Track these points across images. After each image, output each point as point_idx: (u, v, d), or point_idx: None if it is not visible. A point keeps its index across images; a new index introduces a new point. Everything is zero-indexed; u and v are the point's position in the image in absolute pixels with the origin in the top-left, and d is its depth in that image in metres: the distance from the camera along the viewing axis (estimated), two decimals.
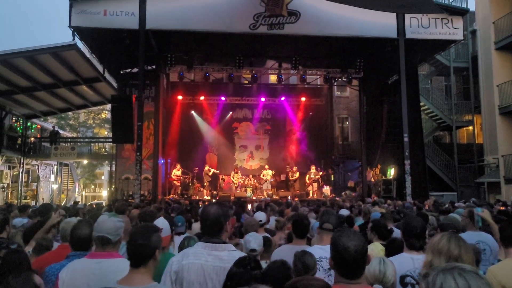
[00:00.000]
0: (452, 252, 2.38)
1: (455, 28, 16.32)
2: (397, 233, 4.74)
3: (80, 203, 14.91)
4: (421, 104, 21.68)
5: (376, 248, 4.18)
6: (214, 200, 17.34)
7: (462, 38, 16.86)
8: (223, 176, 21.75)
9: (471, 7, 20.82)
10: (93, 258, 2.91)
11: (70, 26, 14.53)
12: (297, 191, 20.45)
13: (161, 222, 3.82)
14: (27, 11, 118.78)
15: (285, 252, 3.88)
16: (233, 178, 20.84)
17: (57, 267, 3.08)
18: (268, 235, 5.32)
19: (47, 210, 6.66)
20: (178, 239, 4.43)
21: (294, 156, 22.97)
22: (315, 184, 20.53)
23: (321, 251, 3.62)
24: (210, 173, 20.83)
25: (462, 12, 16.88)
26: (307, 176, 20.91)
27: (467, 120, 26.27)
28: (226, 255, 2.74)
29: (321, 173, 21.06)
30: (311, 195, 19.95)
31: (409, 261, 3.24)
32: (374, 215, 6.17)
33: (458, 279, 1.39)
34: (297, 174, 21.37)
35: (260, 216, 5.82)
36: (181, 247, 3.86)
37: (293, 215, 4.90)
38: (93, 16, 14.52)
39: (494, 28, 21.42)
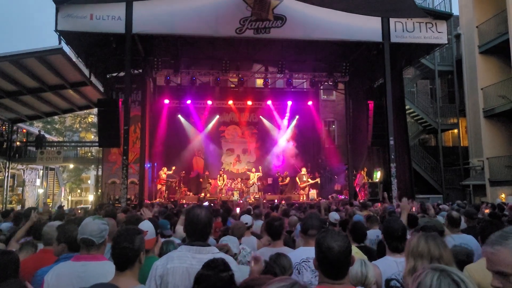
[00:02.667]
0: (433, 253, 2.41)
1: (439, 32, 16.49)
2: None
3: (65, 207, 14.79)
4: (407, 107, 21.87)
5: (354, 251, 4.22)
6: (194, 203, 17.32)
7: (446, 42, 17.04)
8: (210, 179, 21.74)
9: (455, 11, 21.18)
10: (78, 261, 2.91)
11: (56, 30, 14.42)
12: (286, 195, 20.47)
13: (146, 225, 3.80)
14: (13, 15, 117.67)
15: (265, 254, 3.90)
16: (219, 181, 20.88)
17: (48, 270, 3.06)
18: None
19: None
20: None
21: (281, 160, 23.01)
22: (307, 188, 20.63)
23: (307, 252, 3.64)
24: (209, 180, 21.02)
25: (446, 16, 17.07)
26: (297, 178, 21.00)
27: (452, 123, 26.58)
28: (210, 258, 2.73)
29: (317, 179, 21.15)
30: (302, 198, 20.02)
31: (393, 264, 3.26)
32: (356, 218, 6.22)
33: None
34: (287, 179, 21.43)
35: (246, 219, 5.82)
36: (161, 253, 3.84)
37: (268, 219, 4.89)
38: (79, 20, 14.42)
39: (477, 32, 21.71)
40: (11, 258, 3.05)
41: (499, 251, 1.73)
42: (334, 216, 6.69)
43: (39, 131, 26.61)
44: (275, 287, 1.40)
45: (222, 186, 20.79)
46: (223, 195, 20.06)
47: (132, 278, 2.58)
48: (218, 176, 21.24)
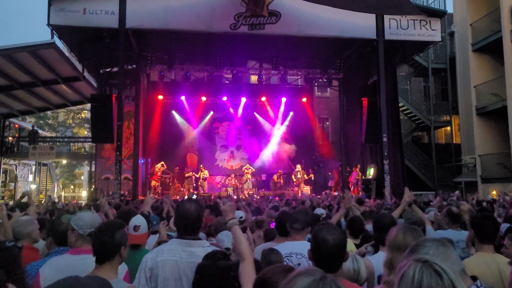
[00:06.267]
0: (410, 245, 2.44)
1: (433, 30, 16.58)
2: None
3: (58, 203, 14.73)
4: (400, 104, 21.95)
5: (349, 247, 4.22)
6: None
7: (440, 39, 17.14)
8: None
9: (449, 9, 21.20)
10: (78, 254, 2.90)
11: (48, 24, 14.35)
12: (280, 191, 20.48)
13: (139, 220, 3.80)
14: (4, 9, 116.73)
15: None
16: (200, 175, 20.75)
17: (41, 265, 3.02)
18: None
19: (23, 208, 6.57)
20: (153, 238, 4.43)
21: (276, 156, 23.02)
22: (302, 184, 20.66)
23: (291, 246, 3.66)
24: (193, 180, 20.79)
25: (440, 14, 17.16)
26: (292, 175, 21.03)
27: (445, 121, 26.70)
28: (201, 251, 2.74)
29: (311, 175, 21.20)
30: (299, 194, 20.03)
31: None
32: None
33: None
34: (281, 179, 21.47)
35: (239, 213, 5.80)
36: None
37: (279, 214, 4.97)
38: (72, 15, 14.36)
39: (471, 30, 21.77)
40: (11, 253, 3.02)
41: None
42: (320, 211, 6.72)
43: (32, 126, 26.45)
44: (305, 281, 1.36)
45: (200, 180, 20.64)
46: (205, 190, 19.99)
47: (110, 272, 2.58)
48: (200, 172, 21.08)
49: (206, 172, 21.17)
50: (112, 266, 2.61)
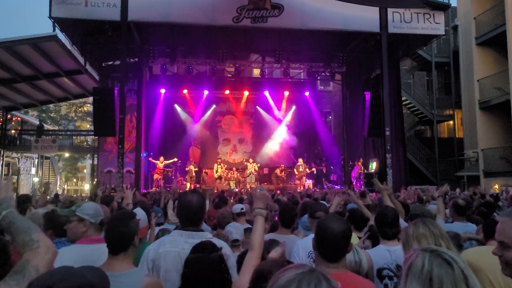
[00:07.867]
0: (435, 233, 2.48)
1: (436, 23, 16.50)
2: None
3: (60, 196, 14.74)
4: (403, 98, 21.90)
5: (353, 241, 4.20)
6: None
7: (443, 33, 17.04)
8: (206, 169, 21.70)
9: (453, 2, 21.04)
10: (92, 244, 2.91)
11: (50, 17, 14.32)
12: (280, 184, 20.48)
13: (139, 213, 3.78)
14: (6, 1, 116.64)
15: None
16: (216, 171, 20.76)
17: None
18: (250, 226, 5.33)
19: (24, 201, 6.57)
20: (156, 230, 4.42)
21: (278, 150, 22.99)
22: (303, 178, 20.65)
23: None
24: (193, 173, 20.70)
25: (443, 7, 17.04)
26: (295, 169, 21.01)
27: (448, 115, 26.62)
28: None
29: (313, 169, 21.19)
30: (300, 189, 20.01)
31: (386, 254, 3.27)
32: (350, 206, 6.23)
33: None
34: (283, 173, 21.43)
35: (239, 206, 5.81)
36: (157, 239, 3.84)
37: (282, 205, 4.98)
38: (74, 7, 14.31)
39: (475, 24, 21.67)
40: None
41: (505, 222, 1.82)
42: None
43: (40, 120, 26.61)
44: (291, 274, 1.34)
45: (219, 175, 20.64)
46: (223, 184, 19.97)
47: (127, 262, 2.58)
48: (216, 165, 21.07)
49: (222, 165, 21.09)
50: (127, 257, 2.60)
